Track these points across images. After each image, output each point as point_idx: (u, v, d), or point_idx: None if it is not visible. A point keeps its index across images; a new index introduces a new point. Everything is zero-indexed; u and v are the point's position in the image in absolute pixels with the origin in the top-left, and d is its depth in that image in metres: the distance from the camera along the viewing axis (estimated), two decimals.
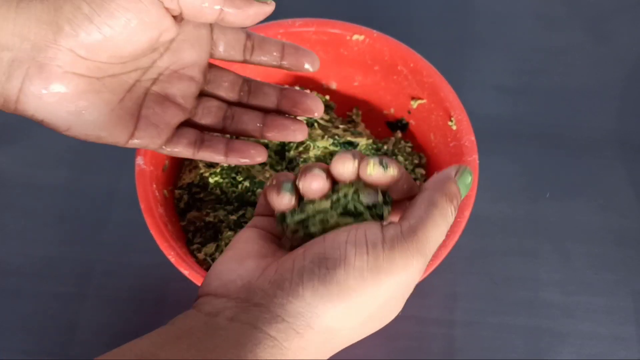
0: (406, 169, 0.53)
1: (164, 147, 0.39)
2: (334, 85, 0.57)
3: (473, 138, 0.49)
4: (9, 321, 0.52)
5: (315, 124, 0.52)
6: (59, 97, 0.35)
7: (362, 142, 0.52)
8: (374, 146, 0.52)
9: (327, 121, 0.53)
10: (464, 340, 0.51)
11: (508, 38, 0.67)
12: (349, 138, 0.52)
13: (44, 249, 0.55)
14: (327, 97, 0.55)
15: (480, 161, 0.48)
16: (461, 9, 0.69)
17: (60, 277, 0.54)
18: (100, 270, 0.54)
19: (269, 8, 0.37)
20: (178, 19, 0.36)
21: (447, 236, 0.45)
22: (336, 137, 0.52)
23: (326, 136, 0.51)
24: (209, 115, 0.40)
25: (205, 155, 0.40)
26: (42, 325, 0.52)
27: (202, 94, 0.41)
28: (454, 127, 0.49)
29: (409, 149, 0.54)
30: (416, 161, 0.54)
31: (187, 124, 0.40)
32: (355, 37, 0.53)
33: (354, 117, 0.57)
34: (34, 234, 0.56)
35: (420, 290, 0.46)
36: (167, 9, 0.35)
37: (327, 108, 0.55)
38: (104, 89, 0.36)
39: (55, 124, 0.35)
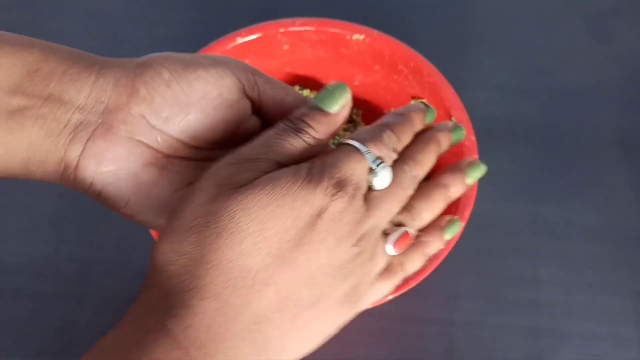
0: None
1: None
2: None
3: (473, 138, 0.49)
4: (8, 321, 0.52)
5: None
6: (120, 164, 0.33)
7: None
8: None
9: None
10: (464, 340, 0.51)
11: (508, 38, 0.67)
12: None
13: (44, 249, 0.55)
14: None
15: (480, 161, 0.48)
16: (462, 8, 0.69)
17: (60, 277, 0.54)
18: (100, 270, 0.54)
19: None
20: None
21: None
22: (336, 137, 0.51)
23: None
24: None
25: None
26: (42, 325, 0.52)
27: None
28: None
29: None
30: None
31: None
32: (356, 36, 0.53)
33: (354, 116, 0.57)
34: (34, 234, 0.56)
35: (420, 290, 0.46)
36: (248, 97, 0.35)
37: None
38: (171, 167, 0.34)
39: (113, 197, 0.33)
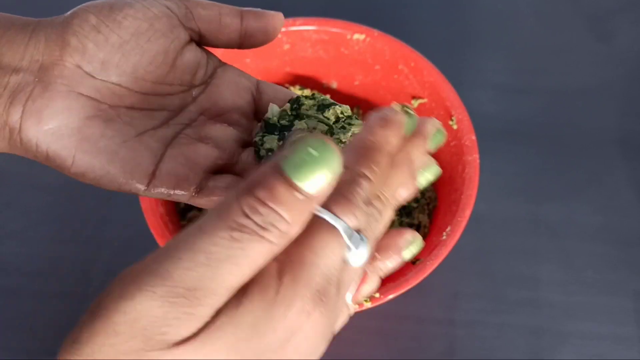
0: None
1: (195, 195, 0.34)
2: (334, 85, 0.57)
3: (474, 137, 0.48)
4: (9, 320, 0.52)
5: None
6: (61, 120, 0.32)
7: None
8: None
9: None
10: (464, 340, 0.51)
11: (509, 37, 0.67)
12: None
13: (44, 248, 0.55)
14: (328, 96, 0.55)
15: (480, 160, 0.48)
16: (462, 7, 0.69)
17: (60, 277, 0.53)
18: (100, 270, 0.54)
19: (280, 15, 0.37)
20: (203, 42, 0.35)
21: (448, 235, 0.45)
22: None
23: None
24: (254, 165, 0.35)
25: None
26: (42, 325, 0.51)
27: (249, 145, 0.36)
28: (455, 127, 0.49)
29: None
30: None
31: (227, 172, 0.35)
32: (356, 36, 0.53)
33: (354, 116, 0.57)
34: (34, 233, 0.55)
35: (421, 290, 0.46)
36: (184, 26, 0.34)
37: None
38: (118, 119, 0.33)
39: (59, 156, 0.32)
